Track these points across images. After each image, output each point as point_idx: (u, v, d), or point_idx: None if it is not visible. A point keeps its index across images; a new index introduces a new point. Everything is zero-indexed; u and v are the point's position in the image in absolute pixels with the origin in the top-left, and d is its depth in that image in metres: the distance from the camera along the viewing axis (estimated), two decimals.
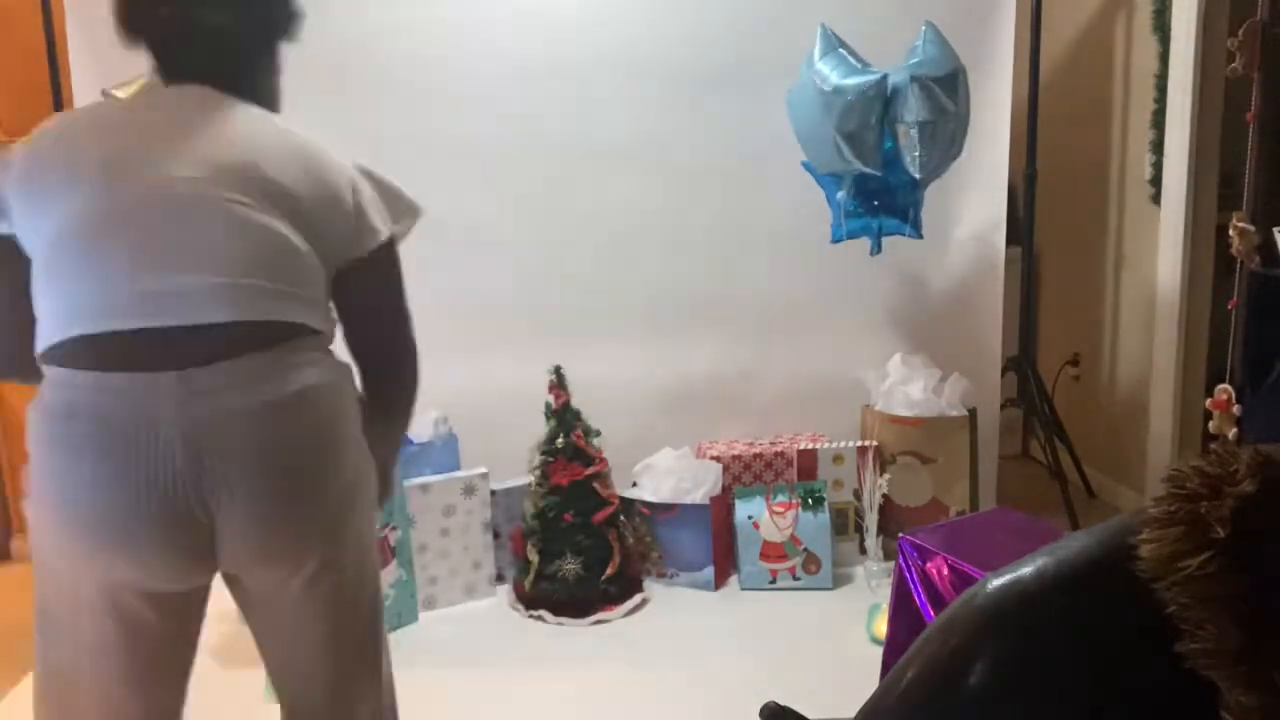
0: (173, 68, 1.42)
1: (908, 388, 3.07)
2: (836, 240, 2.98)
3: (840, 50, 2.72)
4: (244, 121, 1.39)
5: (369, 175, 1.52)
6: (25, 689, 2.54)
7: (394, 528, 2.78)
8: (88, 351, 1.29)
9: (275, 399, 1.29)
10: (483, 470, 2.95)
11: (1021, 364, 3.42)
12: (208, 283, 1.27)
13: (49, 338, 1.32)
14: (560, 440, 2.85)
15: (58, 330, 1.30)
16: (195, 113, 1.36)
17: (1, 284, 1.37)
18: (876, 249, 2.95)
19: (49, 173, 1.30)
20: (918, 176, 2.69)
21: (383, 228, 1.47)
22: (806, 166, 2.98)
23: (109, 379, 1.27)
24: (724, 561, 3.02)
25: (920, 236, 2.94)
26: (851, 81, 2.62)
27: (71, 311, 1.29)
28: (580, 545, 2.80)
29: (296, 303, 1.33)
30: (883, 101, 2.63)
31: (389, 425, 1.51)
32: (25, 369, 1.43)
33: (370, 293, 1.47)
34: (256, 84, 1.51)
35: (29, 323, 1.35)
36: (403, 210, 1.54)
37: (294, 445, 1.31)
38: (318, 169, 1.42)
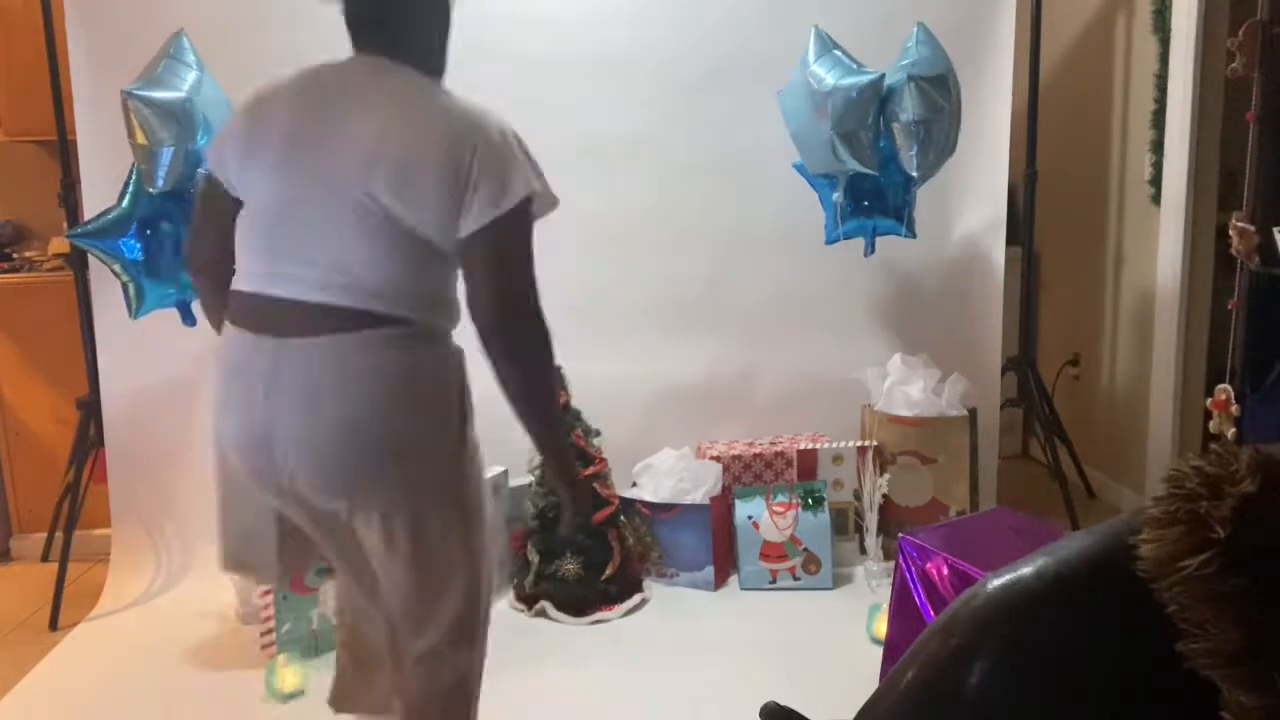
0: (358, 36, 1.65)
1: (908, 388, 3.07)
2: (830, 241, 2.98)
3: (835, 51, 2.73)
4: (402, 102, 1.58)
5: (509, 141, 1.67)
6: (26, 689, 2.54)
7: None
8: (235, 305, 1.61)
9: (346, 368, 1.52)
10: (502, 468, 2.95)
11: (1021, 364, 3.42)
12: (319, 271, 1.52)
13: (234, 285, 1.63)
14: None
15: (236, 282, 1.62)
16: (363, 93, 1.58)
17: (223, 226, 1.65)
18: (870, 249, 2.95)
19: (252, 142, 1.58)
20: (915, 175, 2.70)
21: (496, 206, 1.58)
22: (798, 168, 2.98)
23: (236, 331, 1.59)
24: (724, 561, 3.02)
25: (914, 236, 2.95)
26: (847, 82, 2.63)
27: (240, 271, 1.61)
28: (580, 545, 2.80)
29: (390, 297, 1.54)
30: (878, 101, 2.64)
31: (528, 403, 1.64)
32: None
33: (483, 261, 1.59)
34: (431, 49, 1.71)
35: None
36: (519, 186, 1.64)
37: (350, 400, 1.52)
38: (453, 147, 1.54)
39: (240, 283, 1.60)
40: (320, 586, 2.59)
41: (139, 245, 2.60)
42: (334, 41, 3.06)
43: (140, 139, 2.45)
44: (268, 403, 1.52)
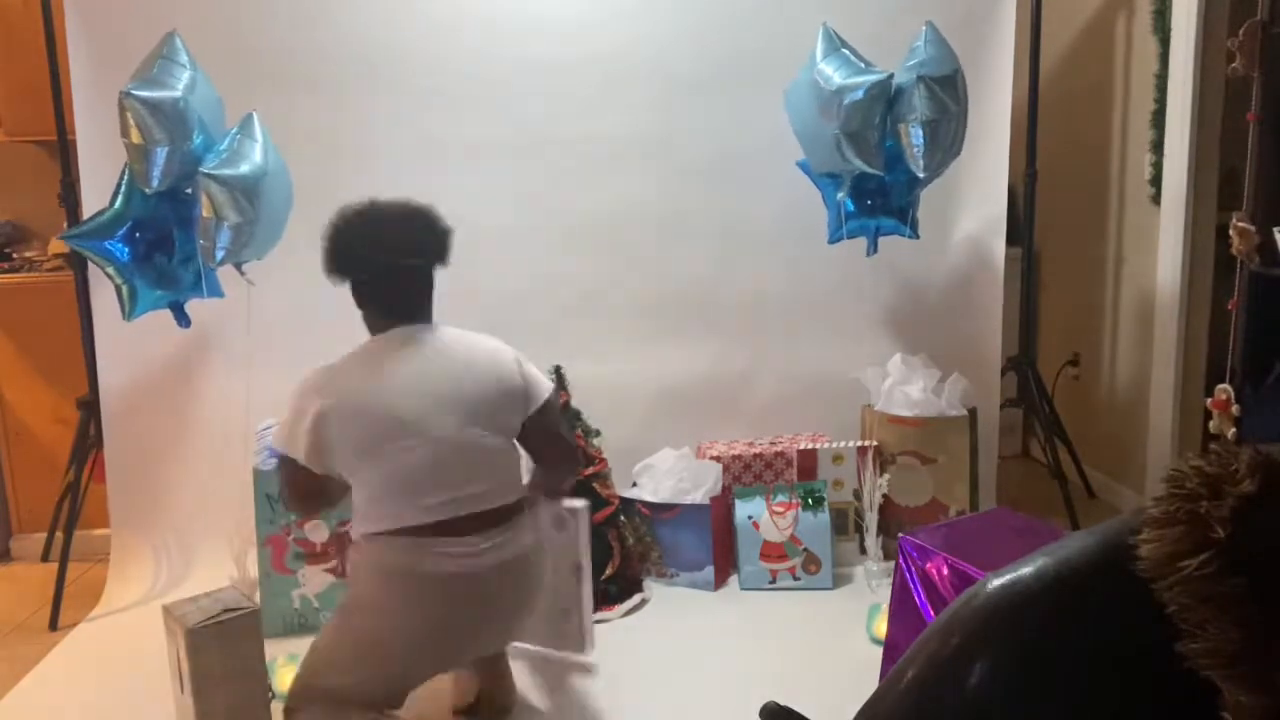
0: (386, 308, 2.11)
1: (908, 388, 3.07)
2: (833, 241, 2.98)
3: (843, 50, 2.72)
4: (453, 354, 2.09)
5: (510, 359, 2.18)
6: (26, 689, 2.54)
7: None
8: None
9: None
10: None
11: (1021, 364, 3.42)
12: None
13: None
14: None
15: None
16: (426, 359, 2.06)
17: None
18: (873, 249, 2.95)
19: (362, 432, 1.98)
20: (923, 175, 2.70)
21: (544, 389, 2.19)
22: (801, 166, 2.98)
23: None
24: (724, 561, 3.02)
25: (917, 236, 2.95)
26: (856, 81, 2.62)
27: None
28: None
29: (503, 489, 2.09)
30: (886, 101, 2.64)
31: (559, 483, 2.33)
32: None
33: (545, 426, 2.20)
34: (419, 311, 2.13)
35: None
36: (540, 381, 2.21)
37: None
38: (501, 371, 2.11)
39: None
40: (300, 569, 2.73)
41: (130, 247, 2.59)
42: (333, 41, 3.04)
43: (135, 139, 2.44)
44: None
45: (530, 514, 2.14)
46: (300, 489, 2.07)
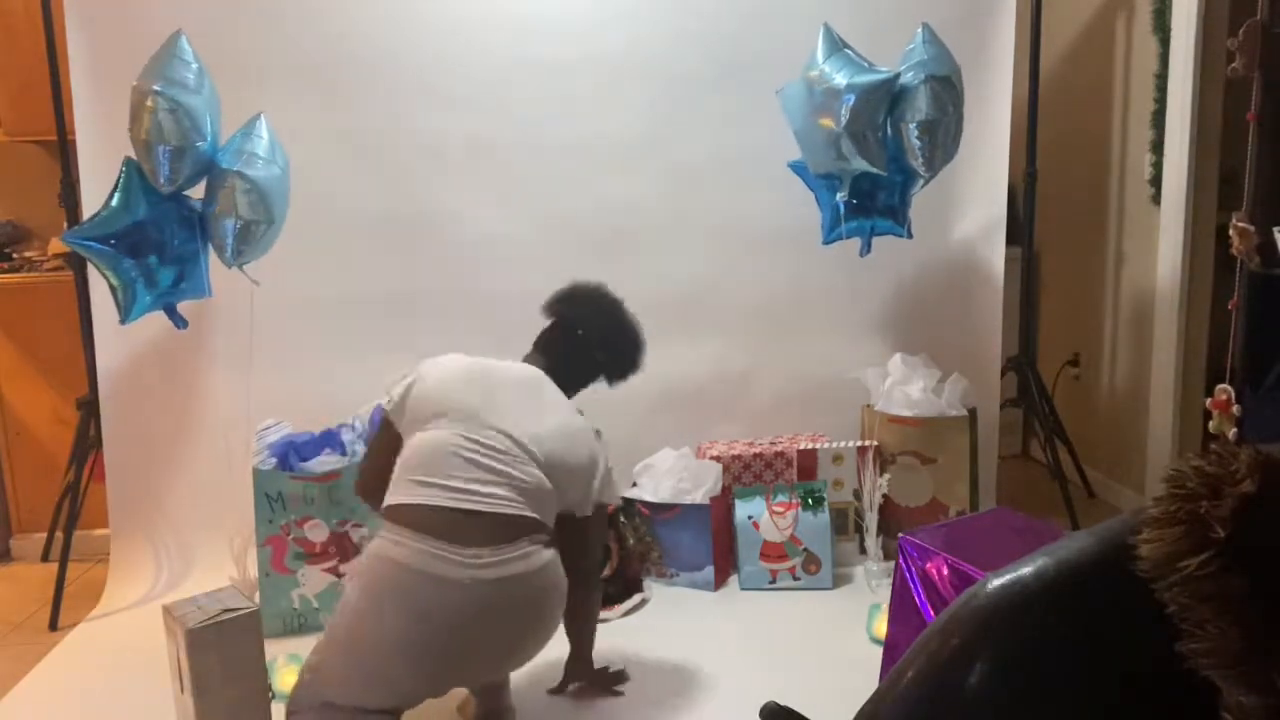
0: (541, 343, 2.35)
1: (908, 388, 3.07)
2: (828, 242, 2.98)
3: (845, 50, 2.72)
4: (550, 407, 2.19)
5: (604, 454, 2.26)
6: (26, 689, 2.54)
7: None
8: None
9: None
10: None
11: (1021, 364, 3.42)
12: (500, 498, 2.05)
13: None
14: None
15: None
16: (526, 387, 2.21)
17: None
18: (866, 249, 2.95)
19: (440, 406, 2.12)
20: (925, 175, 2.70)
21: (601, 498, 2.23)
22: (794, 167, 2.97)
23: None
24: (724, 562, 3.02)
25: (911, 236, 2.94)
26: (860, 81, 2.62)
27: None
28: None
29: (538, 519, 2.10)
30: (889, 101, 2.64)
31: (586, 621, 2.37)
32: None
33: (590, 531, 2.25)
34: (570, 384, 2.32)
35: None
36: (614, 490, 2.32)
37: None
38: (582, 451, 2.18)
39: None
40: (300, 569, 2.72)
41: (127, 248, 2.58)
42: (332, 41, 3.05)
43: (153, 138, 2.44)
44: None
45: (554, 559, 2.09)
46: (381, 459, 2.16)
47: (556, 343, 2.35)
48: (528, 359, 2.32)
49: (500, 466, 2.04)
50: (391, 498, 2.05)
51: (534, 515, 2.05)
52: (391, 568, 1.95)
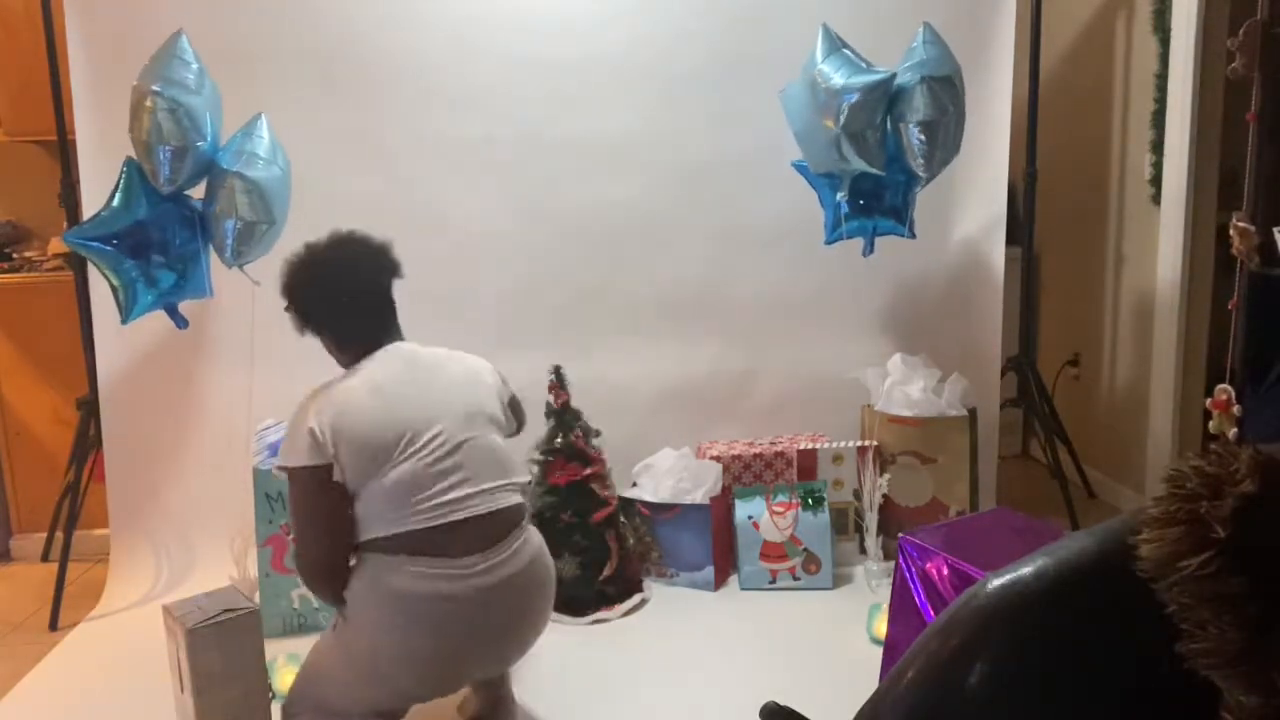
0: (365, 334, 2.12)
1: (908, 388, 3.07)
2: (830, 242, 2.98)
3: (844, 50, 2.72)
4: (438, 365, 2.12)
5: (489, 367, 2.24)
6: (26, 689, 2.54)
7: None
8: None
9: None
10: None
11: (1021, 364, 3.42)
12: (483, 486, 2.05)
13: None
14: (559, 440, 2.85)
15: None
16: (415, 371, 2.07)
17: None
18: (869, 249, 2.95)
19: (364, 451, 1.95)
20: (924, 175, 2.70)
21: (511, 389, 2.26)
22: (797, 167, 2.97)
23: None
24: (724, 561, 3.02)
25: (914, 236, 2.94)
26: (858, 81, 2.62)
27: None
28: (578, 545, 2.79)
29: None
30: (887, 101, 2.64)
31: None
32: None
33: (517, 411, 2.31)
34: (388, 330, 2.16)
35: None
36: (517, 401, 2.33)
37: None
38: (481, 378, 2.16)
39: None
40: None
41: (128, 248, 2.58)
42: (335, 43, 3.05)
43: (153, 138, 2.43)
44: None
45: (540, 547, 2.12)
46: (337, 524, 1.97)
47: (341, 322, 2.13)
48: (350, 359, 2.13)
49: (460, 461, 2.00)
50: (368, 533, 1.96)
51: (514, 501, 2.06)
52: (391, 595, 1.94)
